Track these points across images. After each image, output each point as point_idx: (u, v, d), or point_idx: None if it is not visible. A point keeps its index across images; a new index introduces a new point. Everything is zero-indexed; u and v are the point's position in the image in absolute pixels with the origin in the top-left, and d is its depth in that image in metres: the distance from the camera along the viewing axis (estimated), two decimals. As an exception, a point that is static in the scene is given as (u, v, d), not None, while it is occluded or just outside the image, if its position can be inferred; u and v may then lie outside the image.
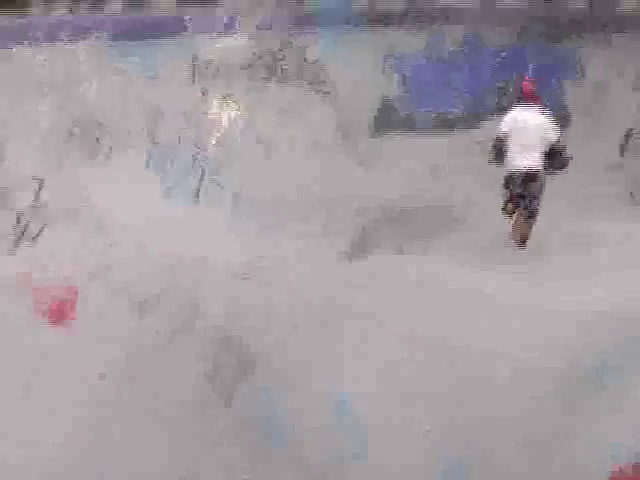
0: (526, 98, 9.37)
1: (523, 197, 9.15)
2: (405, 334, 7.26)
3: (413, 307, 7.54)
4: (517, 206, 9.19)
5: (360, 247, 9.84)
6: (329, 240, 9.63)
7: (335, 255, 9.44)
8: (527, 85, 9.62)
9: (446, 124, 11.38)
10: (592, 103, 11.31)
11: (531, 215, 9.19)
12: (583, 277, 7.94)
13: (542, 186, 9.20)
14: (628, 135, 11.09)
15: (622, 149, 11.10)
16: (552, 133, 9.23)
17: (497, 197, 9.37)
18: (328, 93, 11.10)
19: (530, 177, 9.10)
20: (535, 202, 9.16)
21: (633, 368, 6.78)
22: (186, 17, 10.58)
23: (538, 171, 9.13)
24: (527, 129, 9.14)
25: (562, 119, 11.22)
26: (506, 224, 9.25)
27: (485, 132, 11.14)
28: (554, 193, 9.47)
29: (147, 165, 10.14)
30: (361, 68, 10.98)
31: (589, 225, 9.34)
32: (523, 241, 9.20)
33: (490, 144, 9.35)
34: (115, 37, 10.54)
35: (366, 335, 7.31)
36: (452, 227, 9.98)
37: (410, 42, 11.34)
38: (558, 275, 8.12)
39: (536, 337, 7.12)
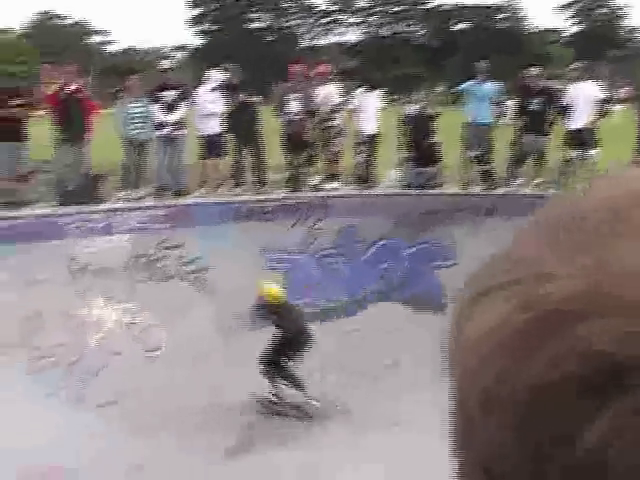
0: None
1: None
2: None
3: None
4: None
5: (249, 442, 9.57)
6: (213, 438, 9.38)
7: (223, 452, 9.20)
8: None
9: (324, 315, 11.41)
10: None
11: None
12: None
13: None
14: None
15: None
16: None
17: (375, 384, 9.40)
18: (207, 290, 11.08)
19: None
20: None
21: None
22: (62, 221, 10.55)
23: None
24: None
25: (439, 305, 11.43)
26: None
27: (362, 320, 11.24)
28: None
29: (26, 370, 9.79)
30: (240, 264, 11.02)
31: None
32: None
33: None
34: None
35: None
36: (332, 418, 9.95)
37: (287, 236, 11.50)
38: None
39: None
